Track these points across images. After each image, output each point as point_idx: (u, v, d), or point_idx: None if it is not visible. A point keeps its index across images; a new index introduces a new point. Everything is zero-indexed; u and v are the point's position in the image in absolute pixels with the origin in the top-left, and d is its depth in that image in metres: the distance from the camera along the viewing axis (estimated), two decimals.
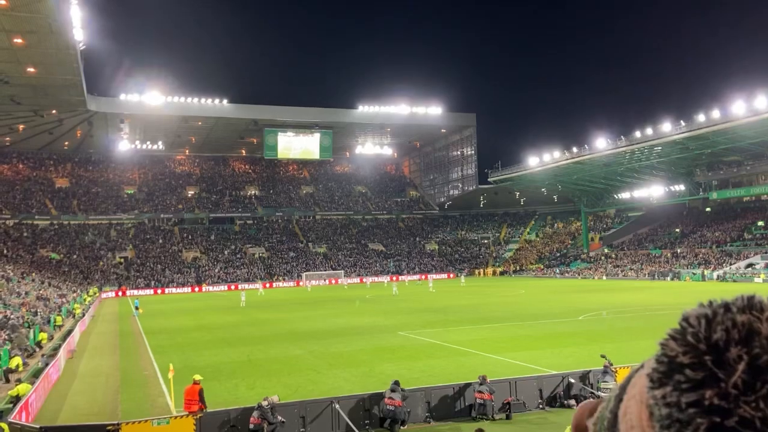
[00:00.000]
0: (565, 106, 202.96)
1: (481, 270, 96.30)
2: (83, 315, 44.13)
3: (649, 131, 67.54)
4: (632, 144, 69.67)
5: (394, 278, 77.58)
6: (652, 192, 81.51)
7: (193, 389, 16.16)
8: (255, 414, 14.62)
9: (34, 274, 65.21)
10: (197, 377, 16.76)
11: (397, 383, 16.21)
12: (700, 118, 62.05)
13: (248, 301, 54.37)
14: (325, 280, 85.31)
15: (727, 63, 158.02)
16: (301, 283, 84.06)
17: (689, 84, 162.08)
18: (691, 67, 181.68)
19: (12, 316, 35.97)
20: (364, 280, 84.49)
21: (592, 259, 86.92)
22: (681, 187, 78.47)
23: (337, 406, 15.58)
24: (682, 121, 64.60)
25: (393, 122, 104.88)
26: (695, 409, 0.57)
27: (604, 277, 75.82)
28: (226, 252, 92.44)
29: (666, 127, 65.65)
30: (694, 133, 62.95)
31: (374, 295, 60.35)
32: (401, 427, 15.70)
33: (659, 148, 68.90)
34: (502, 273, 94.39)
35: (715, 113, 60.27)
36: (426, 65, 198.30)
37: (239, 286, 78.47)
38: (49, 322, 39.26)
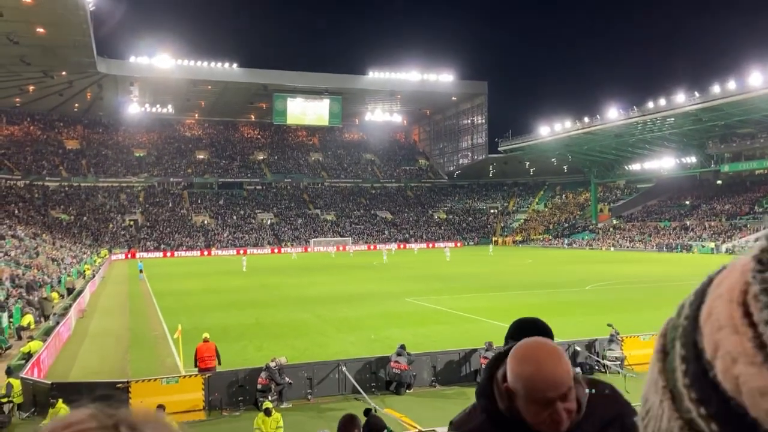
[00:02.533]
0: (577, 76, 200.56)
1: (508, 238, 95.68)
2: (93, 276, 44.58)
3: (662, 102, 66.75)
4: (644, 114, 68.92)
5: (385, 246, 77.29)
6: (663, 163, 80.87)
7: (210, 346, 16.41)
8: (263, 375, 14.81)
9: (45, 235, 65.76)
10: (207, 335, 17.01)
11: (403, 347, 16.35)
12: (715, 89, 61.18)
13: (263, 265, 54.70)
14: (333, 247, 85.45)
15: (743, 34, 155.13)
16: (309, 249, 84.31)
17: (704, 55, 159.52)
18: (706, 38, 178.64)
19: (25, 276, 36.40)
20: (378, 247, 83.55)
21: (601, 230, 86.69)
22: (692, 159, 77.77)
23: (344, 368, 15.75)
24: (696, 92, 63.76)
25: (403, 89, 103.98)
26: None
27: (612, 249, 75.72)
28: (234, 217, 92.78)
29: (679, 98, 64.82)
30: (708, 104, 62.15)
31: (383, 262, 60.50)
32: (407, 391, 15.88)
33: (672, 119, 68.16)
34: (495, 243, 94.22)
35: (731, 84, 59.39)
36: (438, 31, 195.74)
37: (248, 251, 78.95)
38: (60, 282, 39.71)
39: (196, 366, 16.16)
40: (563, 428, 1.55)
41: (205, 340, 16.62)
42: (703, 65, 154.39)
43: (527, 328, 2.59)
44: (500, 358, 1.73)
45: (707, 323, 0.57)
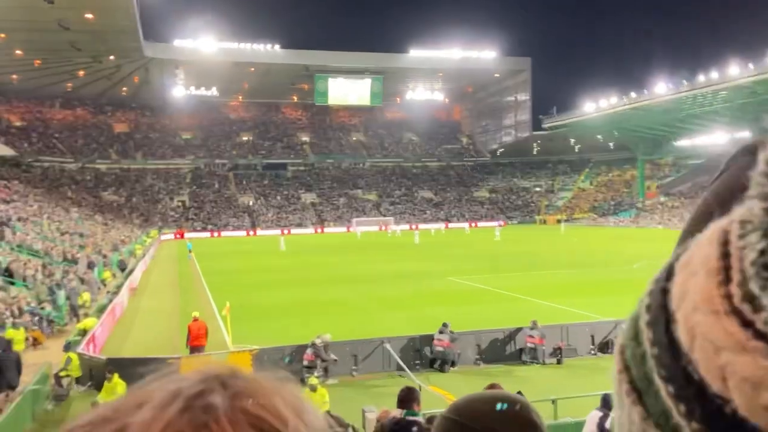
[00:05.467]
0: (624, 49, 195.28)
1: (551, 217, 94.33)
2: (144, 256, 45.80)
3: (714, 75, 64.48)
4: (695, 89, 66.78)
5: (415, 227, 77.32)
6: (715, 139, 78.41)
7: (201, 325, 16.95)
8: (309, 351, 15.08)
9: (97, 216, 67.77)
10: (197, 314, 17.72)
11: (445, 325, 16.42)
12: None
13: (308, 244, 55.26)
14: (375, 227, 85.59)
15: None
16: (351, 229, 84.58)
17: (758, 23, 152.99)
18: (760, 4, 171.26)
19: (78, 256, 37.62)
20: (420, 227, 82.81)
21: (648, 208, 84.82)
22: (746, 134, 75.17)
23: (388, 345, 15.91)
24: (750, 64, 61.39)
25: (445, 67, 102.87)
26: None
27: (660, 226, 74.10)
28: (278, 197, 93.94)
29: (732, 70, 62.52)
30: (763, 76, 59.80)
31: (432, 241, 60.48)
32: (451, 368, 15.97)
33: (724, 92, 65.86)
34: (541, 222, 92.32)
35: None
36: (480, 7, 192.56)
37: (291, 231, 79.87)
38: (112, 262, 40.94)
39: (187, 345, 16.57)
40: None
41: (195, 319, 17.11)
42: (758, 34, 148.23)
43: None
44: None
45: (681, 307, 0.44)
